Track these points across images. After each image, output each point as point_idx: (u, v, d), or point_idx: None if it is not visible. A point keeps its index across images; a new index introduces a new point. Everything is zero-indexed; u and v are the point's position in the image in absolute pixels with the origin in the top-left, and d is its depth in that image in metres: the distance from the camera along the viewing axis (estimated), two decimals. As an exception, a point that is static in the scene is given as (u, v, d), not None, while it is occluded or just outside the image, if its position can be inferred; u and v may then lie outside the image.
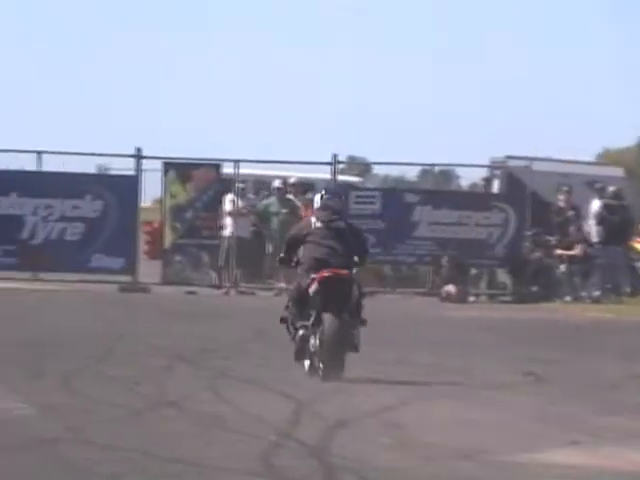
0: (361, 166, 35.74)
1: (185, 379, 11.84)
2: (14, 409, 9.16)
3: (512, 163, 27.77)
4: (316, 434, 8.45)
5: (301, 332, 12.37)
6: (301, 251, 12.72)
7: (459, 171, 30.81)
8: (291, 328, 12.72)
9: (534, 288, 25.45)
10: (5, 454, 7.03)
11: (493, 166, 27.96)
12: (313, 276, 12.13)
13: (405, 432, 8.84)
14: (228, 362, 13.38)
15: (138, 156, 23.84)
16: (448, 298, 24.38)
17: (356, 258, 12.64)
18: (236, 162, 25.04)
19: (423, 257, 25.50)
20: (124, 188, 23.79)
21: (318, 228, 12.51)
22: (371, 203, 24.84)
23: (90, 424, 8.45)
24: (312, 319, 12.28)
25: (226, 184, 25.00)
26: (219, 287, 24.90)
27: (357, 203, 24.72)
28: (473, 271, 26.04)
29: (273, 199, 25.32)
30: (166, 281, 24.10)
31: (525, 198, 25.71)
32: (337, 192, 15.14)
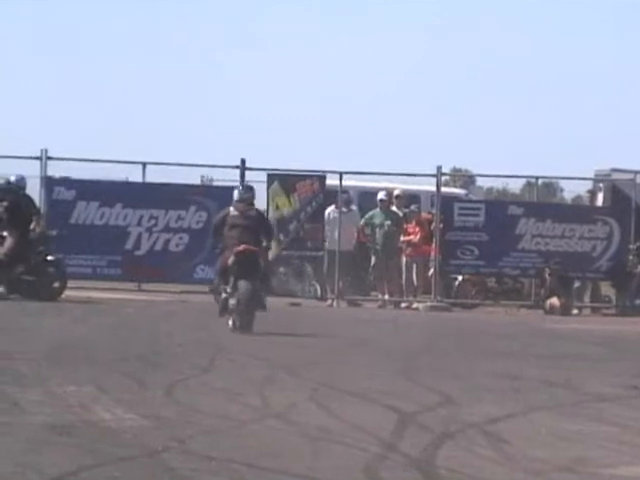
0: (465, 178, 35.34)
1: (288, 390, 11.47)
2: (123, 419, 8.86)
3: (617, 176, 27.30)
4: (421, 446, 8.11)
5: (223, 295, 16.77)
6: (225, 234, 16.86)
7: (563, 184, 31.10)
8: (216, 294, 17.57)
9: (638, 301, 25.06)
10: (117, 464, 6.86)
11: (597, 179, 27.63)
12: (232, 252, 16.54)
13: (510, 445, 8.46)
14: (331, 372, 12.95)
15: (242, 167, 23.88)
16: (552, 311, 24.21)
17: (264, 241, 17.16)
18: (340, 174, 24.87)
19: (527, 270, 25.15)
20: (228, 199, 20.52)
21: (235, 216, 16.76)
22: (475, 215, 24.60)
23: (194, 435, 8.15)
24: (231, 284, 16.49)
25: (330, 196, 25.00)
26: (323, 299, 24.70)
27: (461, 215, 24.60)
28: (577, 284, 25.66)
29: (377, 211, 24.98)
30: (269, 291, 22.48)
31: (629, 211, 25.32)
32: (250, 187, 18.79)
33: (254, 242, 16.54)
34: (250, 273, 16.42)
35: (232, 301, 16.65)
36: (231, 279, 16.59)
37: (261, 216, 17.93)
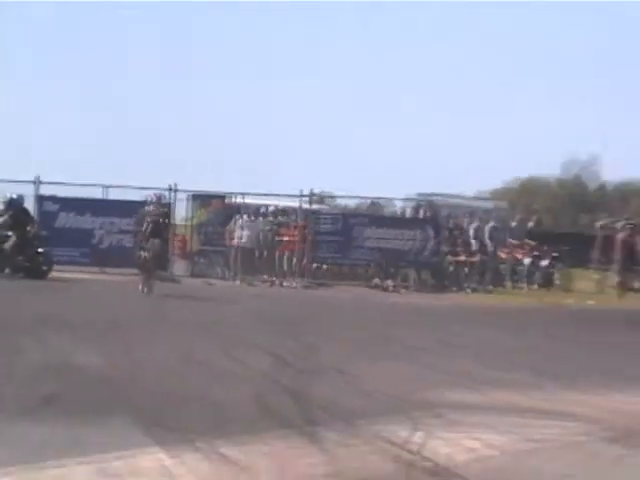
0: (328, 198, 42.51)
1: (199, 340, 14.86)
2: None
3: (434, 198, 38.84)
4: (296, 382, 10.71)
5: (142, 255, 23.86)
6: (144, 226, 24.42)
7: (396, 201, 42.53)
8: (138, 258, 24.43)
9: (446, 282, 32.38)
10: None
11: (420, 198, 38.22)
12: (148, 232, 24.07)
13: (364, 382, 10.98)
14: (230, 328, 16.93)
15: (174, 190, 31.46)
16: (385, 289, 31.28)
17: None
18: (242, 194, 33.39)
19: (369, 260, 32.79)
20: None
21: (150, 215, 23.84)
22: (334, 223, 32.49)
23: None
24: (146, 243, 23.84)
25: (233, 209, 33.32)
26: (230, 280, 31.87)
27: (324, 223, 32.38)
28: (404, 271, 32.75)
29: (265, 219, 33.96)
30: (193, 275, 32.59)
31: (440, 221, 34.11)
32: (161, 197, 25.56)
33: (160, 230, 24.43)
34: (158, 234, 24.04)
35: (144, 254, 24.01)
36: (147, 241, 23.87)
37: (164, 217, 25.17)
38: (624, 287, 27.77)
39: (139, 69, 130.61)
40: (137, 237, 25.06)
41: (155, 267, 24.61)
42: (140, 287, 23.94)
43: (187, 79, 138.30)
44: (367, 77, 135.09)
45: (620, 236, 27.92)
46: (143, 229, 24.22)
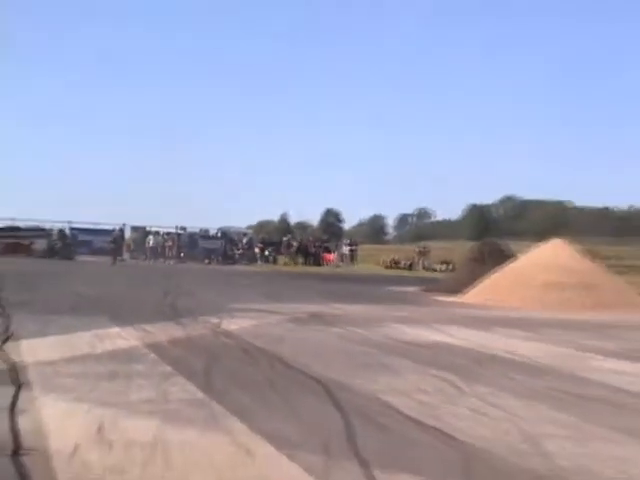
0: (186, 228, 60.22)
1: (138, 285, 27.50)
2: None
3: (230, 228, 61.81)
4: (188, 306, 23.10)
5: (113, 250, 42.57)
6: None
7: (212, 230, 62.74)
8: (111, 251, 46.21)
9: (234, 261, 54.66)
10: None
11: (222, 229, 60.17)
12: None
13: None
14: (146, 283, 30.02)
15: (124, 225, 53.34)
16: (209, 263, 48.36)
17: None
18: (150, 226, 52.69)
19: (203, 253, 54.72)
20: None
21: (115, 235, 45.57)
22: (189, 238, 61.15)
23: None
24: (115, 247, 44.64)
25: (146, 232, 58.17)
26: (145, 260, 53.85)
27: (183, 239, 58.72)
28: (214, 257, 56.78)
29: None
30: (131, 258, 51.70)
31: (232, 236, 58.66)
32: (120, 229, 48.52)
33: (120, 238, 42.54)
34: (119, 243, 45.57)
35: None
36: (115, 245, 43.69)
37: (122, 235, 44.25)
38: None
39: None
40: (112, 244, 49.39)
41: (117, 255, 48.41)
42: (111, 263, 45.38)
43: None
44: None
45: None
46: (113, 240, 49.67)
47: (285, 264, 53.70)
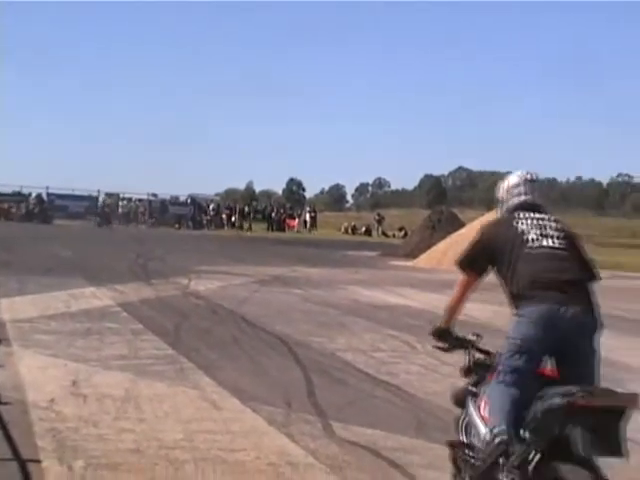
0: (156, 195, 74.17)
1: (118, 248, 28.33)
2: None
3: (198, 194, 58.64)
4: (152, 267, 23.02)
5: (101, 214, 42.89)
6: None
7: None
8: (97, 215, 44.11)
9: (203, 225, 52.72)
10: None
11: (192, 195, 56.36)
12: None
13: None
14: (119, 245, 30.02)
15: (99, 191, 50.86)
16: (179, 228, 48.58)
17: None
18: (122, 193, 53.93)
19: (174, 218, 54.48)
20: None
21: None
22: (161, 204, 59.14)
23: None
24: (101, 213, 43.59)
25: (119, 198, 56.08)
26: (119, 225, 50.61)
27: (154, 205, 57.93)
28: (184, 222, 54.24)
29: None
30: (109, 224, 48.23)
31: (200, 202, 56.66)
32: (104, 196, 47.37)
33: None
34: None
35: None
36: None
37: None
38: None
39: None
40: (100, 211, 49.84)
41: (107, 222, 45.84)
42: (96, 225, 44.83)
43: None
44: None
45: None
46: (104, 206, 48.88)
47: (250, 229, 53.55)
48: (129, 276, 17.05)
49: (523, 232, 4.23)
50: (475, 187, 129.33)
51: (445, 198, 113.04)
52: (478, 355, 4.45)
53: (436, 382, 7.73)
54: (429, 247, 28.16)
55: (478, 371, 4.42)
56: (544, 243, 4.18)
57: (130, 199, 53.63)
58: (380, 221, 59.91)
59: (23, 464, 4.75)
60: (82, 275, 16.58)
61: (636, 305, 17.32)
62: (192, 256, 24.23)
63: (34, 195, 48.94)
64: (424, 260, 26.84)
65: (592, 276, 4.23)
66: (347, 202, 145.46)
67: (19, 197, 49.58)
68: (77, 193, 51.95)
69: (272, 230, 53.46)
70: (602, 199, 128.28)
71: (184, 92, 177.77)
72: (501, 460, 3.84)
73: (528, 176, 4.58)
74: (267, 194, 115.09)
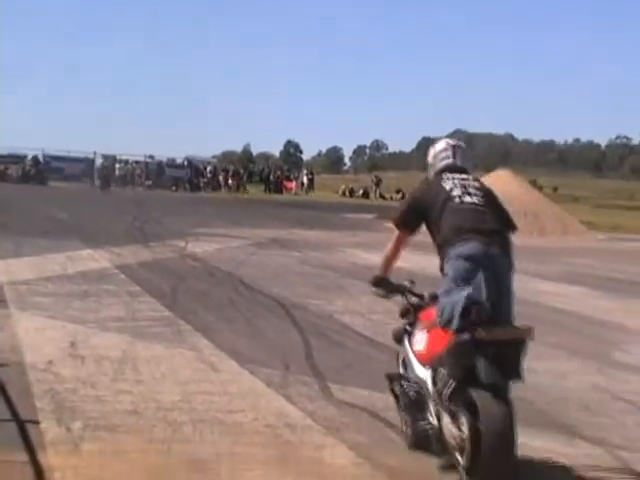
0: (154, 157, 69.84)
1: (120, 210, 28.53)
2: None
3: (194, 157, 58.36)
4: (150, 230, 23.90)
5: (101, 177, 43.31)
6: None
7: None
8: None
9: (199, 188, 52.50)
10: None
11: (189, 157, 58.72)
12: None
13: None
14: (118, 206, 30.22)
15: (95, 154, 49.05)
16: (175, 190, 47.93)
17: None
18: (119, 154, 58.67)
19: (172, 181, 53.34)
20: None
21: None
22: (158, 167, 57.31)
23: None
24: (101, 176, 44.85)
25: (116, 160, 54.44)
26: (116, 188, 49.37)
27: (151, 168, 55.30)
28: (181, 184, 54.05)
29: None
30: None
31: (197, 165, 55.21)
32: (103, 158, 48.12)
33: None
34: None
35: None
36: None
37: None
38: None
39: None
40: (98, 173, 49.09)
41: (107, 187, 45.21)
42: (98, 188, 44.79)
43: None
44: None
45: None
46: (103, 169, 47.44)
47: (246, 191, 53.40)
48: (126, 238, 17.03)
49: (448, 190, 4.78)
50: (472, 149, 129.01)
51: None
52: (414, 299, 5.12)
53: (433, 344, 7.70)
54: (427, 209, 28.08)
55: (413, 312, 5.06)
56: (466, 199, 4.72)
57: (127, 161, 52.63)
58: (378, 183, 59.81)
59: (22, 425, 4.76)
60: (79, 237, 16.58)
61: (634, 267, 17.34)
62: (189, 218, 24.20)
63: (30, 157, 48.19)
64: (421, 222, 26.83)
65: (509, 227, 4.83)
66: (345, 164, 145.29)
67: (15, 158, 49.23)
68: (73, 155, 50.75)
69: (269, 192, 53.32)
70: (600, 161, 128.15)
71: (183, 52, 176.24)
72: (429, 388, 4.55)
73: (453, 142, 5.18)
74: (264, 156, 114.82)
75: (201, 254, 15.16)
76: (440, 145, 5.13)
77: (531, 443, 4.91)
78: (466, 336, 4.24)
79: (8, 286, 9.97)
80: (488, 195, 4.87)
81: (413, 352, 4.85)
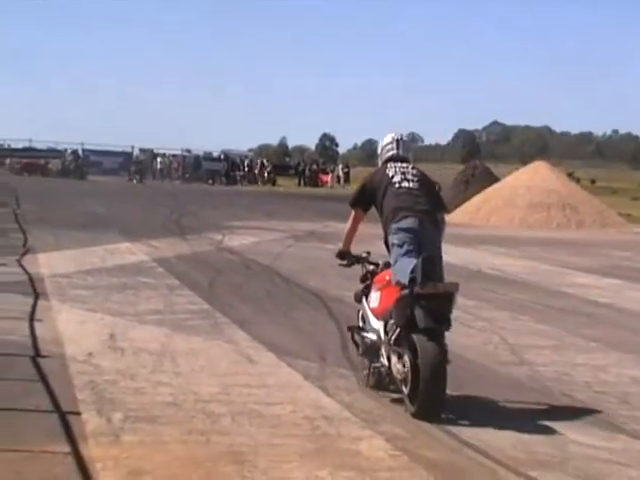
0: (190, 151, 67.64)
1: (143, 201, 27.89)
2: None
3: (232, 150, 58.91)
4: (178, 219, 24.51)
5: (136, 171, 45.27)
6: None
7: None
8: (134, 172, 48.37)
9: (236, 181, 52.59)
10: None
11: (225, 151, 56.68)
12: None
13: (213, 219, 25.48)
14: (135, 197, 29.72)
15: (132, 147, 49.85)
16: (212, 184, 47.85)
17: None
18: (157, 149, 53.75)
19: (206, 174, 53.05)
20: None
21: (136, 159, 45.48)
22: (195, 161, 57.84)
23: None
24: (137, 170, 46.85)
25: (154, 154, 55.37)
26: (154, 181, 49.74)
27: (188, 161, 56.38)
28: (218, 178, 53.41)
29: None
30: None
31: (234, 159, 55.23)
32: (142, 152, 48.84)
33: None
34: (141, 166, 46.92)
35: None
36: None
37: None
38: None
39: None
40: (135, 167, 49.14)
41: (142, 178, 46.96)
42: (134, 182, 45.98)
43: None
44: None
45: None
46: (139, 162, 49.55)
47: (283, 185, 53.40)
48: (163, 232, 17.17)
49: (390, 176, 5.89)
50: (509, 142, 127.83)
51: (479, 153, 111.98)
52: (371, 266, 6.28)
53: (470, 337, 7.76)
54: (463, 202, 27.90)
55: (370, 277, 6.18)
56: (404, 185, 5.84)
57: (164, 155, 52.83)
58: (413, 176, 59.67)
59: (63, 416, 4.82)
60: (117, 230, 16.77)
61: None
62: (225, 212, 24.27)
63: (70, 151, 48.65)
64: (458, 215, 26.68)
65: (439, 207, 6.02)
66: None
67: (55, 153, 49.87)
68: (111, 149, 51.56)
69: (304, 185, 53.21)
70: (639, 153, 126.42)
71: (220, 45, 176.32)
72: (382, 336, 5.65)
73: (397, 136, 6.22)
74: (300, 150, 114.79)
75: (238, 247, 15.24)
76: (387, 139, 6.20)
77: (571, 437, 4.84)
78: (407, 291, 5.28)
79: (49, 279, 10.11)
80: (423, 181, 5.93)
81: (369, 308, 5.91)
